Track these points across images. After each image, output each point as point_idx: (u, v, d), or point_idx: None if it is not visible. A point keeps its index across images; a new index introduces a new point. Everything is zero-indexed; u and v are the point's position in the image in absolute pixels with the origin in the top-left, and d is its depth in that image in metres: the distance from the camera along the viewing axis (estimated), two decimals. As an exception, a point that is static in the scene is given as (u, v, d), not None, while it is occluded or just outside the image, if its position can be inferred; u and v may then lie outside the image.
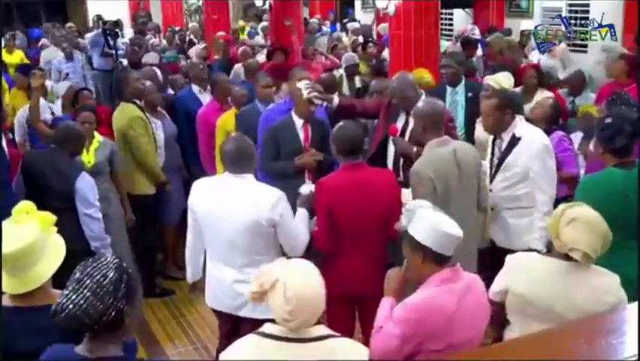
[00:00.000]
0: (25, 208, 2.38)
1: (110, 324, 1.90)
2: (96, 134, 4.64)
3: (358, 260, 3.36)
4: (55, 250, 2.38)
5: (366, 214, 3.29)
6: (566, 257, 2.52)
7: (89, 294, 1.86)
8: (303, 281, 2.00)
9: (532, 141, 3.78)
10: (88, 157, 4.49)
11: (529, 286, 2.56)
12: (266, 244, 3.19)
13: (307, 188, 3.50)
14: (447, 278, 2.32)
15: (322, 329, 2.06)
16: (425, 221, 2.35)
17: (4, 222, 2.33)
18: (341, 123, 3.54)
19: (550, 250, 2.70)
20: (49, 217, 2.42)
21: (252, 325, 3.25)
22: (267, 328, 2.07)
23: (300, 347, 2.00)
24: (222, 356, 2.13)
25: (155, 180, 5.04)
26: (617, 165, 3.21)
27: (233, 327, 3.40)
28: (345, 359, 2.03)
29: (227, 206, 3.17)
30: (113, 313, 1.89)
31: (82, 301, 1.85)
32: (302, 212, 3.39)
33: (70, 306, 1.85)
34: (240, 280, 3.22)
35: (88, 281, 1.88)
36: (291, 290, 1.95)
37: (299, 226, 3.27)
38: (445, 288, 2.31)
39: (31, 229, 2.32)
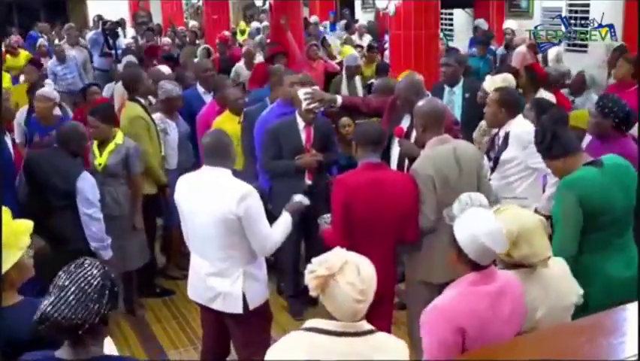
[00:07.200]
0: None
1: (92, 330, 1.88)
2: (118, 135, 4.48)
3: (369, 260, 3.34)
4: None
5: (381, 214, 3.29)
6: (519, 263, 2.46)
7: (73, 302, 1.83)
8: (368, 263, 2.04)
9: (520, 130, 3.90)
10: (100, 160, 4.43)
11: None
12: (239, 240, 3.19)
13: (299, 197, 3.53)
14: (475, 281, 2.27)
15: (367, 324, 2.04)
16: (470, 225, 2.27)
17: None
18: (362, 121, 3.48)
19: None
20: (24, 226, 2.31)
21: (234, 320, 3.28)
22: (316, 323, 2.01)
23: (356, 340, 1.98)
24: (270, 355, 2.05)
25: (156, 181, 5.01)
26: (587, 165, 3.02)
27: (214, 319, 3.43)
28: (393, 355, 2.03)
29: (200, 200, 3.21)
30: (96, 320, 1.87)
31: (66, 310, 1.82)
32: (285, 216, 3.40)
33: (55, 315, 1.82)
34: (212, 273, 3.25)
35: (73, 288, 1.85)
36: (363, 269, 1.99)
37: (265, 226, 3.23)
38: (473, 290, 2.26)
39: None
